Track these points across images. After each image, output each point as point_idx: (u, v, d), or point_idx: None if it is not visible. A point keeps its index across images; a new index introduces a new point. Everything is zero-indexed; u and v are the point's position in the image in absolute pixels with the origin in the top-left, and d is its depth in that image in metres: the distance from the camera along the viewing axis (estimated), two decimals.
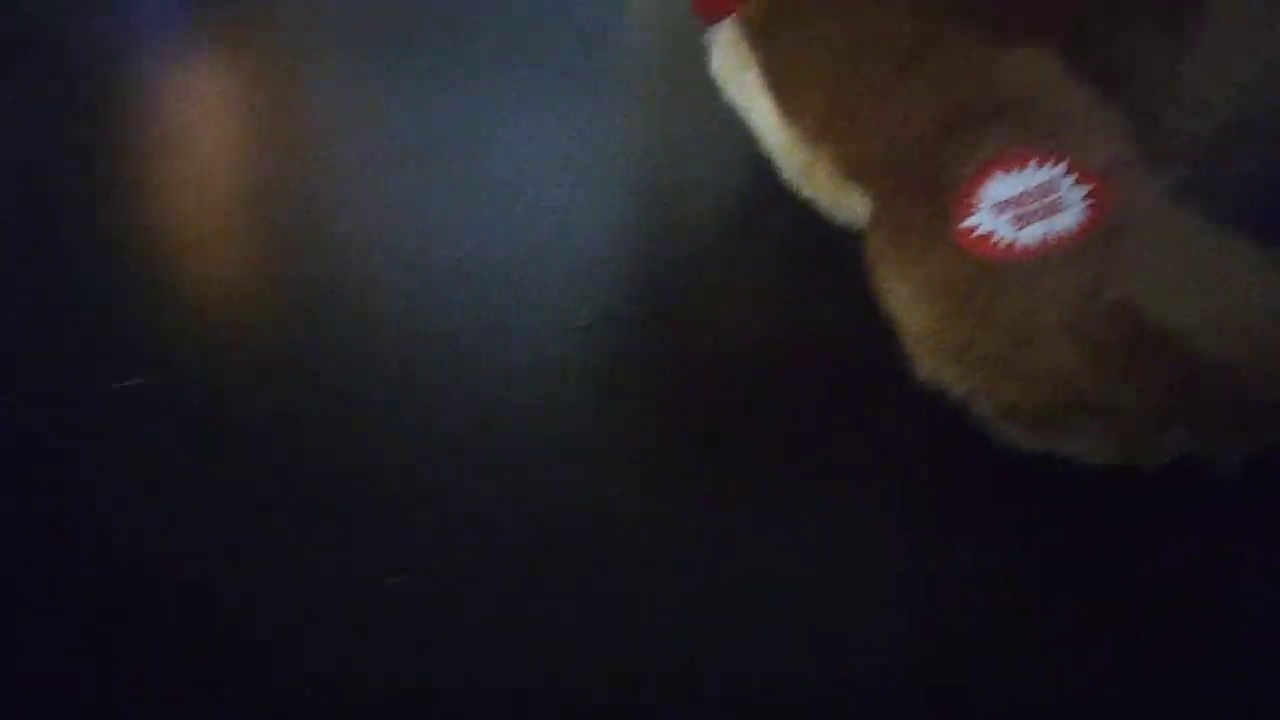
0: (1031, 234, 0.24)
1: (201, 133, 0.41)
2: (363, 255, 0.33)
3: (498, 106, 0.42)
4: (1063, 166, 0.24)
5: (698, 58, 0.33)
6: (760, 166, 0.32)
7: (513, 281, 0.32)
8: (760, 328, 0.31)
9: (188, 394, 0.27)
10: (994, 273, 0.24)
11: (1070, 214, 0.24)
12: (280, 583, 0.23)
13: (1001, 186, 0.24)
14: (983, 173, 0.24)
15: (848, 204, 0.29)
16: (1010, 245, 0.24)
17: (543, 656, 0.21)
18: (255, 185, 0.38)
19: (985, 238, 0.24)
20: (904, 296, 0.25)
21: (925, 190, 0.25)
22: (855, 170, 0.28)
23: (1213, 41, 0.25)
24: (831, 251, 0.28)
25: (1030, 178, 0.24)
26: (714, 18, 0.31)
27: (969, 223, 0.24)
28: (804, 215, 0.31)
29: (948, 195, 0.25)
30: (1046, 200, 0.24)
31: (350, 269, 0.33)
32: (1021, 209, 0.24)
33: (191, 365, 0.28)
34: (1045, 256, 0.24)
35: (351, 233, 0.34)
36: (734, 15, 0.30)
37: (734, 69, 0.31)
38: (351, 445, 0.26)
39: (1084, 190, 0.24)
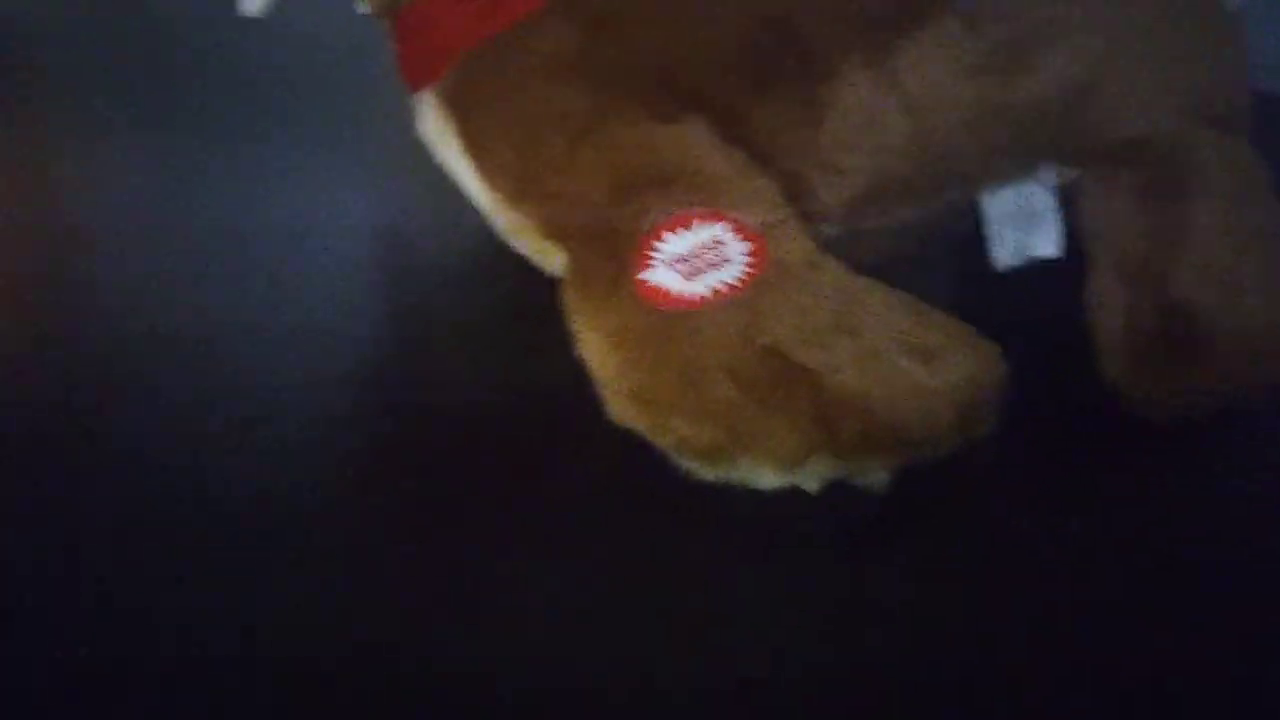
0: (700, 285, 0.26)
1: None
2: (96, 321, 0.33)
3: (235, 162, 0.42)
4: (724, 225, 0.27)
5: None
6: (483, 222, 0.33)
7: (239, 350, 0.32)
8: (483, 376, 0.33)
9: None
10: (666, 322, 0.26)
11: (732, 267, 0.27)
12: None
13: (673, 244, 0.27)
14: (653, 233, 0.27)
15: (551, 259, 0.31)
16: (681, 295, 0.26)
17: None
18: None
19: (659, 288, 0.27)
20: (592, 345, 0.27)
21: (606, 248, 0.27)
22: (549, 231, 0.30)
23: (841, 119, 0.29)
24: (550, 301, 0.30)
25: (697, 235, 0.27)
26: (416, 86, 0.33)
27: (646, 275, 0.27)
28: (525, 267, 0.33)
29: (626, 252, 0.27)
30: (712, 255, 0.27)
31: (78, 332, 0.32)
32: (691, 263, 0.27)
33: None
34: (711, 305, 0.26)
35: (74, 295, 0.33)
36: (432, 85, 0.32)
37: (437, 134, 0.32)
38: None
39: (744, 246, 0.27)
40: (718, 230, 0.27)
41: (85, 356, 0.32)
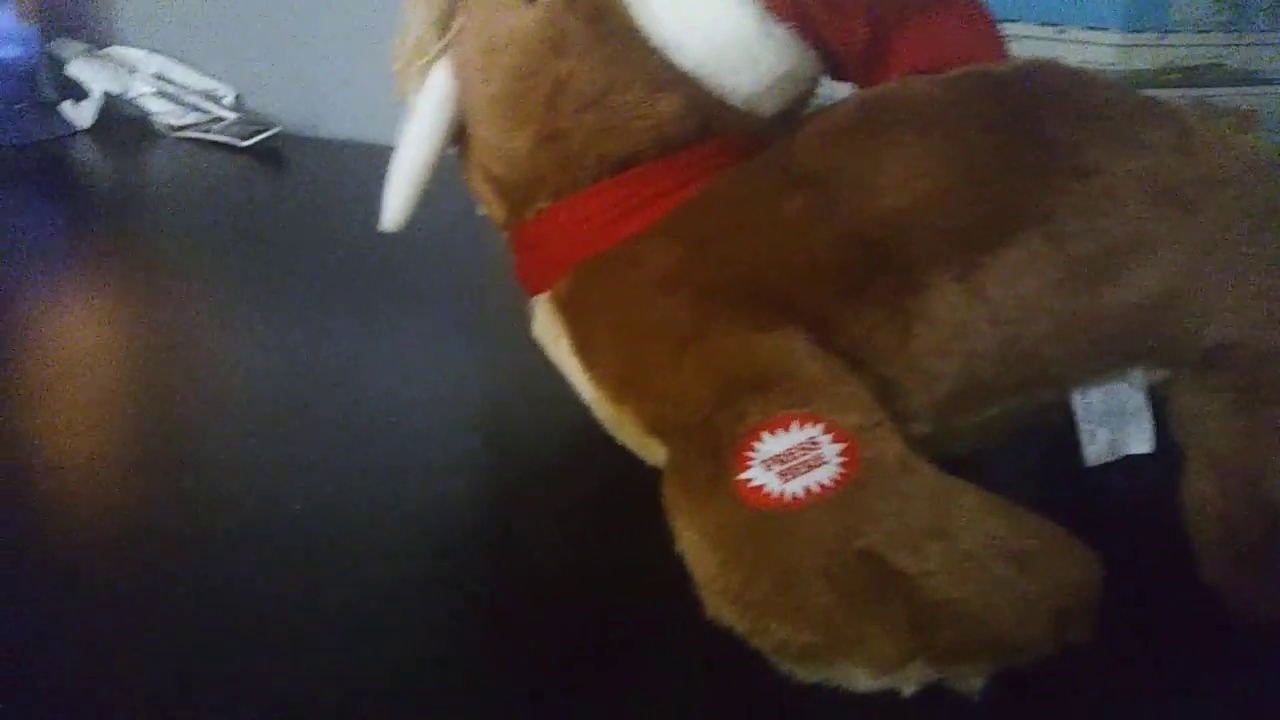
0: (796, 486, 0.28)
1: (62, 358, 0.42)
2: (200, 501, 0.35)
3: (364, 348, 0.46)
4: (820, 426, 0.29)
5: None
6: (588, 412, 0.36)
7: (345, 530, 0.34)
8: (582, 563, 0.34)
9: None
10: (763, 523, 0.27)
11: (827, 468, 0.28)
12: None
13: (770, 445, 0.28)
14: (752, 434, 0.28)
15: (652, 453, 0.33)
16: (780, 496, 0.28)
17: None
18: (107, 404, 0.40)
19: (759, 489, 0.28)
20: (691, 543, 0.28)
21: (707, 448, 0.29)
22: (652, 428, 0.32)
23: (930, 329, 0.30)
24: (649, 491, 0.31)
25: (794, 437, 0.28)
26: (532, 291, 0.36)
27: (744, 475, 0.28)
28: (626, 457, 0.34)
29: (724, 453, 0.29)
30: (808, 456, 0.28)
31: (204, 501, 0.34)
32: (788, 464, 0.28)
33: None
34: (806, 506, 0.27)
35: (192, 478, 0.36)
36: (547, 291, 0.35)
37: (550, 336, 0.35)
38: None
39: (839, 448, 0.28)
40: (813, 432, 0.29)
41: (195, 522, 0.34)
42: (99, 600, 0.30)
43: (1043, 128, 0.31)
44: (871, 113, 0.32)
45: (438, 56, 0.34)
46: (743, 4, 0.31)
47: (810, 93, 0.36)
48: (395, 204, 0.35)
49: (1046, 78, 0.33)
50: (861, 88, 0.35)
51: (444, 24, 0.34)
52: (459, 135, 0.36)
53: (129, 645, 0.29)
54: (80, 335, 0.47)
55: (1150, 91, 0.34)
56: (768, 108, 0.33)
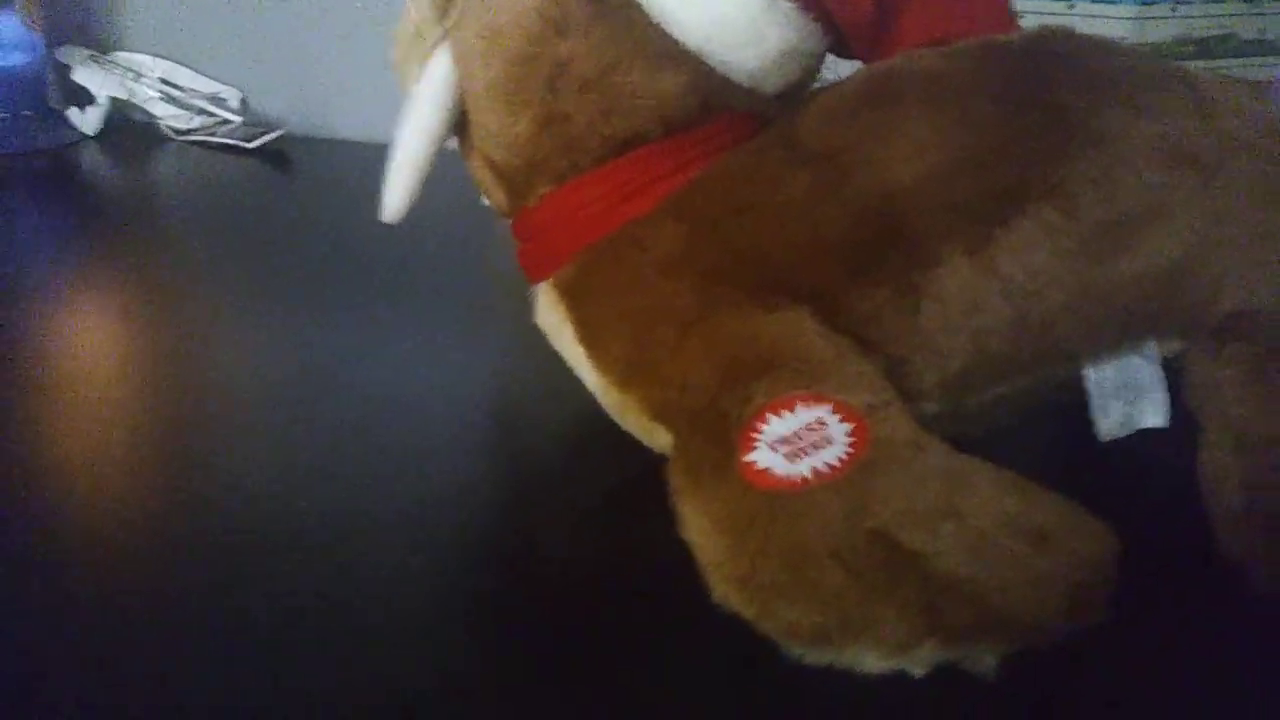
0: (803, 467, 0.27)
1: (73, 362, 0.42)
2: (208, 503, 0.35)
3: (372, 346, 0.45)
4: (828, 407, 0.28)
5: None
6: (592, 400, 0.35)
7: (352, 529, 0.34)
8: (589, 553, 0.34)
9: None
10: (771, 506, 0.27)
11: (835, 449, 0.28)
12: None
13: (776, 426, 0.28)
14: (759, 416, 0.28)
15: (657, 439, 0.32)
16: (787, 477, 0.27)
17: None
18: (121, 408, 0.40)
19: (765, 471, 0.27)
20: (697, 528, 0.28)
21: (712, 432, 0.29)
22: (657, 413, 0.31)
23: (941, 305, 0.30)
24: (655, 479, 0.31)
25: (800, 418, 0.28)
26: (535, 279, 0.35)
27: (750, 458, 0.28)
28: (632, 446, 0.34)
29: (732, 436, 0.28)
30: (815, 437, 0.28)
31: (213, 503, 0.34)
32: (795, 445, 0.28)
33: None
34: (814, 487, 0.27)
35: (200, 481, 0.36)
36: (550, 278, 0.34)
37: (553, 323, 0.35)
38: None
39: (847, 428, 0.28)
40: (820, 412, 0.28)
41: (202, 523, 0.34)
42: (104, 602, 0.30)
43: (1054, 94, 0.31)
44: (878, 88, 0.32)
45: (438, 43, 0.34)
46: None
47: (815, 69, 0.35)
48: (396, 195, 0.35)
49: (1058, 44, 0.32)
50: (867, 64, 0.35)
51: (444, 9, 0.34)
52: (460, 124, 0.35)
53: (134, 648, 0.28)
54: (92, 339, 0.47)
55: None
56: (772, 85, 0.33)
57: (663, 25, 0.31)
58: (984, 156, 0.30)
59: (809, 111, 0.33)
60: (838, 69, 0.37)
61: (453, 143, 0.37)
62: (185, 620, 0.29)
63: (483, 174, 0.36)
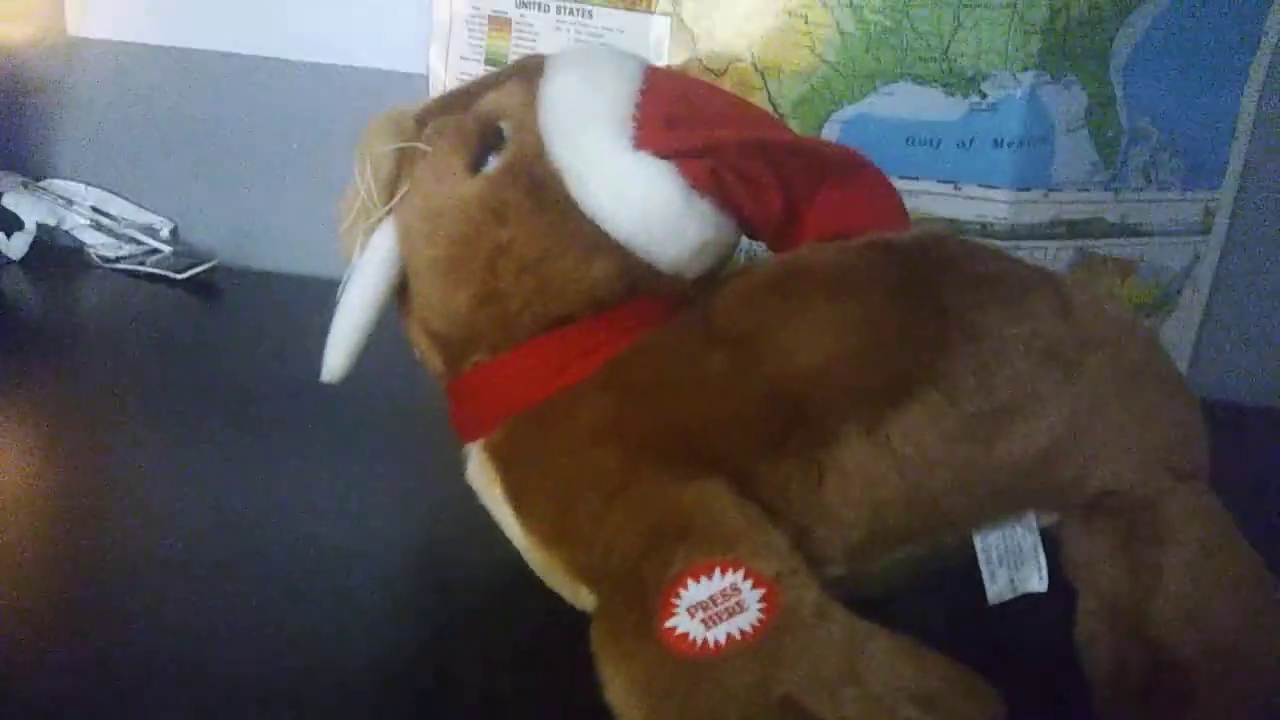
0: (719, 633, 0.29)
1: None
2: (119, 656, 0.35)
3: (300, 489, 0.46)
4: (741, 573, 0.30)
5: None
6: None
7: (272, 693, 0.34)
8: (519, 708, 0.35)
9: None
10: (689, 672, 0.29)
11: (748, 614, 0.30)
12: None
13: (694, 592, 0.30)
14: (678, 580, 0.30)
15: (581, 598, 0.34)
16: (704, 643, 0.29)
17: None
18: (32, 548, 0.39)
19: (682, 637, 0.29)
20: (619, 691, 0.29)
21: (634, 596, 0.30)
22: (580, 575, 0.33)
23: (841, 478, 0.32)
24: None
25: (716, 584, 0.30)
26: (467, 439, 0.37)
27: (670, 623, 0.30)
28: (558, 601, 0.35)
29: (650, 600, 0.30)
30: (730, 603, 0.30)
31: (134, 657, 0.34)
32: (710, 610, 0.30)
33: None
34: (730, 652, 0.29)
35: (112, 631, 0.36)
36: (482, 439, 0.36)
37: (483, 482, 0.36)
38: None
39: (759, 593, 0.30)
40: (735, 579, 0.30)
41: (122, 679, 0.34)
42: None
43: (939, 294, 0.34)
44: (785, 279, 0.35)
45: (382, 219, 0.36)
46: (668, 181, 0.34)
47: (730, 255, 0.39)
48: (336, 357, 0.36)
49: (941, 249, 0.36)
50: (775, 252, 0.38)
51: (390, 188, 0.36)
52: (399, 291, 0.38)
53: None
54: (5, 474, 0.47)
55: (1038, 242, 0.38)
56: (692, 271, 0.36)
57: (594, 219, 0.34)
58: (878, 346, 0.34)
59: (724, 295, 0.36)
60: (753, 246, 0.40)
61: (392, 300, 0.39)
62: None
63: (420, 339, 0.38)
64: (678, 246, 0.35)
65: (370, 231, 0.37)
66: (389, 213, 0.36)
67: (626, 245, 0.34)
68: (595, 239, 0.34)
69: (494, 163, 0.35)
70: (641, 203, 0.34)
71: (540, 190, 0.34)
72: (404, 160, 0.36)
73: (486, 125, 0.36)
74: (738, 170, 0.35)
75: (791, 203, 0.37)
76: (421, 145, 0.36)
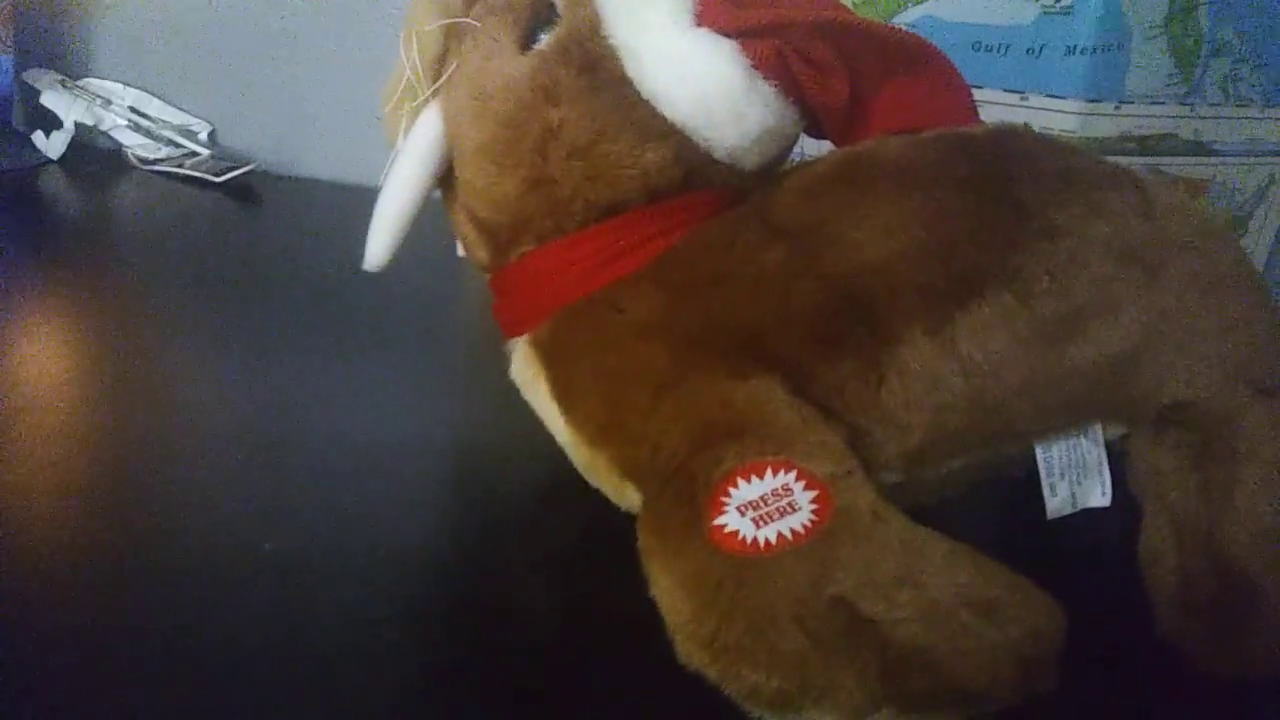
0: (769, 532, 0.28)
1: (28, 389, 0.42)
2: (167, 540, 0.35)
3: (337, 387, 0.45)
4: (794, 473, 0.29)
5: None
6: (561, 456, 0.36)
7: (316, 573, 0.34)
8: (555, 602, 0.34)
9: None
10: (738, 569, 0.28)
11: (800, 515, 0.29)
12: None
13: (744, 491, 0.29)
14: (727, 479, 0.29)
15: (626, 498, 0.33)
16: (754, 541, 0.28)
17: None
18: (78, 438, 0.39)
19: (732, 535, 0.28)
20: (664, 588, 0.28)
21: (683, 493, 0.29)
22: (627, 472, 0.32)
23: (902, 380, 0.31)
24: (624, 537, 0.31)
25: (768, 484, 0.29)
26: (511, 334, 0.36)
27: (719, 521, 0.28)
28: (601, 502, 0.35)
29: (700, 498, 0.29)
30: (781, 503, 0.29)
31: (154, 550, 0.34)
32: (761, 510, 0.29)
33: None
34: (780, 552, 0.28)
35: (159, 516, 0.36)
36: (527, 334, 0.35)
37: (527, 378, 0.35)
38: None
39: (811, 494, 0.29)
40: (787, 479, 0.29)
41: (162, 561, 0.34)
42: (61, 641, 0.30)
43: (1013, 189, 0.32)
44: (850, 169, 0.34)
45: (428, 100, 0.35)
46: (730, 61, 0.32)
47: (790, 148, 0.37)
48: (379, 244, 0.35)
49: (1016, 142, 0.34)
50: (839, 145, 0.36)
51: (436, 68, 0.35)
52: (445, 177, 0.36)
53: (88, 681, 0.28)
54: (45, 368, 0.46)
55: (1106, 159, 0.36)
56: (750, 161, 0.34)
57: (650, 101, 0.32)
58: (947, 242, 0.32)
59: (784, 188, 0.34)
60: (808, 150, 0.39)
61: (436, 190, 0.38)
62: (140, 656, 0.29)
63: (466, 228, 0.36)
64: (737, 132, 0.33)
65: (416, 113, 0.35)
66: (435, 93, 0.35)
67: (683, 130, 0.33)
68: (650, 122, 0.33)
69: (546, 40, 0.33)
70: (701, 84, 0.32)
71: (594, 69, 0.32)
72: (451, 38, 0.34)
73: (538, 0, 0.34)
74: (804, 53, 0.33)
75: (858, 91, 0.34)
76: (470, 21, 0.34)
